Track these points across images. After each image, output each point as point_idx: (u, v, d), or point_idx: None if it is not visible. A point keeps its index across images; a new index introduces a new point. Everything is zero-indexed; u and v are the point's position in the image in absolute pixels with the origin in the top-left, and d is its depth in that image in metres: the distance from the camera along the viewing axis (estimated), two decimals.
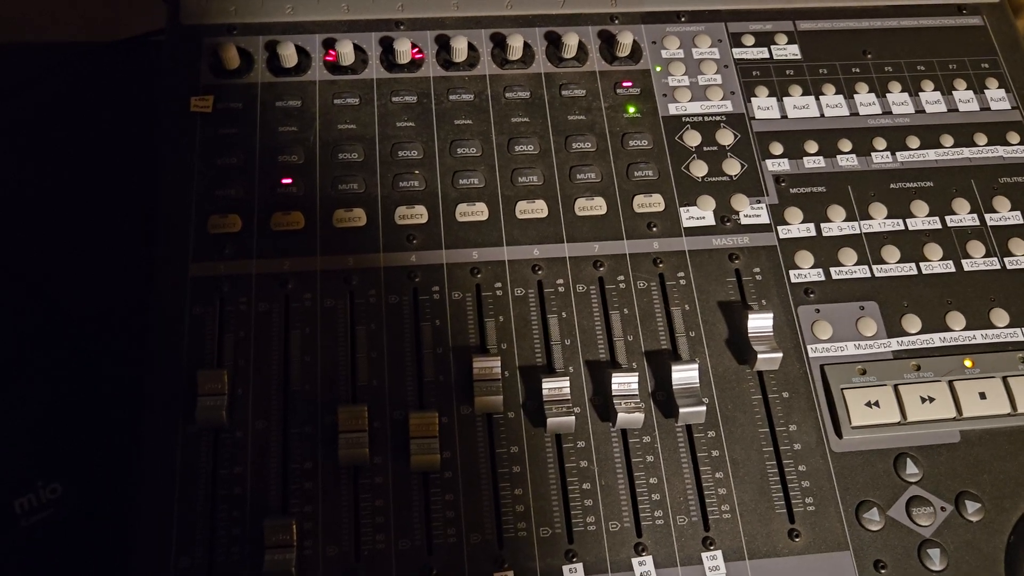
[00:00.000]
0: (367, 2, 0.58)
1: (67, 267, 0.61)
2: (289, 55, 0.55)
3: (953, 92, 0.59)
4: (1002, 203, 0.56)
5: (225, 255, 0.50)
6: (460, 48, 0.56)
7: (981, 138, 0.58)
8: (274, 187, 0.52)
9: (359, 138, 0.54)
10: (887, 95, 0.59)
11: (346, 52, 0.55)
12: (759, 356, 0.48)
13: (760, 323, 0.49)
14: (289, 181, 0.52)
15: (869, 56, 0.60)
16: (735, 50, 0.59)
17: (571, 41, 0.57)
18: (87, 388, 0.54)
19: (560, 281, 0.51)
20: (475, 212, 0.52)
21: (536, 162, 0.54)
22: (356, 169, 0.53)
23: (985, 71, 0.61)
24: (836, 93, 0.58)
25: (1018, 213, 0.56)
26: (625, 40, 0.57)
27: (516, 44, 0.56)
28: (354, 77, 0.56)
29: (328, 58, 0.56)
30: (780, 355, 0.48)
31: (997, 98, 0.60)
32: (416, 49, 0.57)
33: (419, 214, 0.52)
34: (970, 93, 0.60)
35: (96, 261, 0.61)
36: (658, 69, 0.58)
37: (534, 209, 0.53)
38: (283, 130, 0.54)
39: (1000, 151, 0.58)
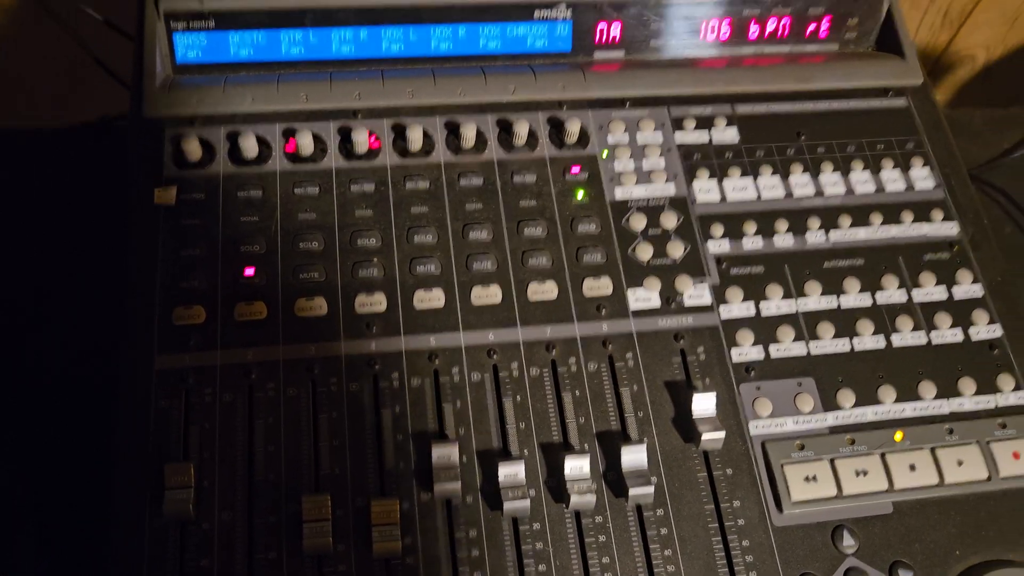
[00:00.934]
0: (325, 92, 0.60)
1: (31, 359, 0.62)
2: (250, 146, 0.57)
3: (881, 172, 0.63)
4: (928, 278, 0.59)
5: (190, 347, 0.51)
6: (415, 137, 0.58)
7: (908, 215, 0.62)
8: (237, 277, 0.54)
9: (319, 227, 0.56)
10: (820, 176, 0.62)
11: (305, 143, 0.57)
12: (703, 436, 0.51)
13: (704, 404, 0.51)
14: (251, 272, 0.54)
15: (803, 138, 0.64)
16: (677, 133, 0.63)
17: (522, 129, 0.59)
18: (52, 482, 0.55)
19: (514, 365, 0.53)
20: (432, 299, 0.54)
21: (490, 248, 0.57)
22: (316, 258, 0.55)
23: (910, 151, 0.65)
24: (773, 174, 0.62)
25: (943, 288, 0.59)
26: (573, 127, 0.60)
27: (469, 133, 0.59)
28: (314, 167, 0.58)
29: (288, 148, 0.58)
30: (723, 434, 0.51)
31: (922, 177, 0.63)
32: (373, 137, 0.59)
33: (378, 302, 0.54)
34: (897, 172, 0.63)
35: (59, 352, 0.62)
36: (605, 154, 0.61)
37: (489, 295, 0.55)
38: (245, 220, 0.56)
39: (925, 228, 0.61)
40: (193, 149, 0.56)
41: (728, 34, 0.67)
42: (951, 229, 0.62)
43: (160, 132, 0.58)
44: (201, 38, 0.61)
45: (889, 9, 0.69)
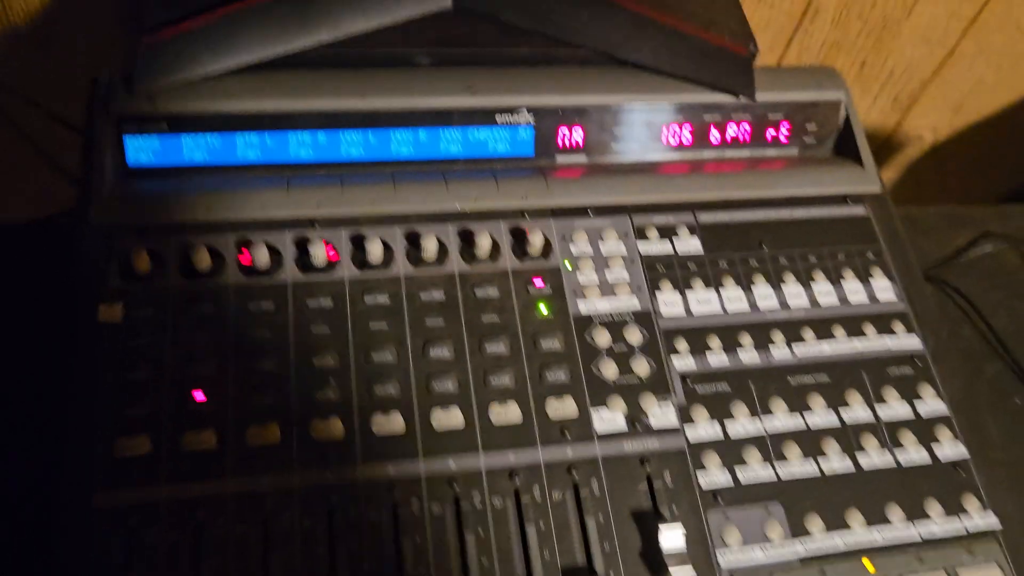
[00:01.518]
0: (282, 200, 0.58)
1: None
2: (202, 259, 0.55)
3: (842, 282, 0.63)
4: (891, 394, 0.59)
5: (133, 482, 0.48)
6: (375, 250, 0.57)
7: (870, 329, 0.61)
8: (185, 403, 0.51)
9: (274, 346, 0.54)
10: (782, 286, 0.62)
11: (260, 256, 0.55)
12: (672, 571, 0.49)
13: (672, 539, 0.50)
14: (201, 396, 0.51)
15: (765, 248, 0.63)
16: (640, 243, 0.62)
17: (484, 242, 0.58)
18: None
19: (476, 496, 0.51)
20: (392, 424, 0.52)
21: (451, 367, 0.55)
22: (271, 381, 0.53)
23: (870, 260, 0.65)
24: (736, 285, 0.61)
25: (907, 405, 0.59)
26: (535, 240, 0.59)
27: (430, 245, 0.57)
28: (269, 280, 0.56)
29: (243, 260, 0.56)
30: (692, 570, 0.49)
31: (882, 287, 0.64)
32: (331, 249, 0.57)
33: (334, 428, 0.52)
34: (857, 283, 0.63)
35: None
36: (568, 266, 0.60)
37: (450, 418, 0.53)
38: (196, 339, 0.53)
39: (888, 341, 0.61)
40: (142, 261, 0.54)
41: (690, 139, 0.67)
42: (913, 342, 0.62)
43: (107, 241, 0.55)
44: (153, 141, 0.59)
45: (847, 117, 0.69)
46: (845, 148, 0.70)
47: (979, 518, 0.56)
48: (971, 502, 0.56)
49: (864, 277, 0.64)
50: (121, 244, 0.55)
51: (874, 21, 1.09)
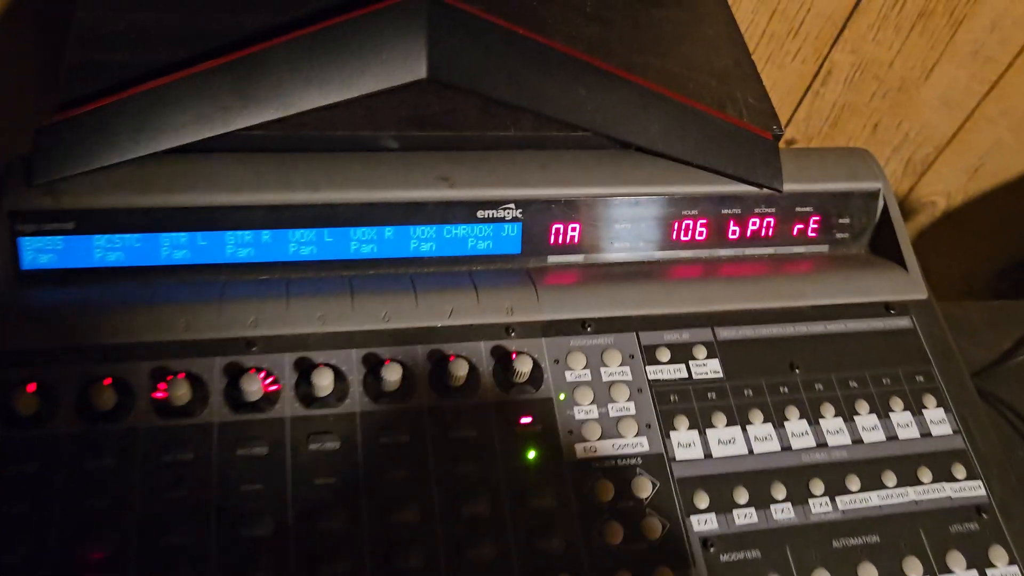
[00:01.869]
0: (212, 318, 0.47)
1: None
2: (105, 398, 0.43)
3: (891, 414, 0.53)
4: (956, 560, 0.48)
5: None
6: (324, 381, 0.46)
7: (926, 474, 0.51)
8: None
9: (191, 512, 0.42)
10: (820, 421, 0.52)
11: (180, 392, 0.44)
12: None
13: None
14: None
15: (797, 371, 0.53)
16: (649, 368, 0.51)
17: (459, 371, 0.47)
18: None
19: None
20: None
21: (417, 535, 0.44)
22: (185, 559, 0.41)
23: (921, 385, 0.54)
24: (764, 421, 0.51)
25: (974, 573, 0.48)
26: (523, 367, 0.48)
27: (393, 376, 0.46)
28: (189, 421, 0.45)
29: (157, 395, 0.45)
30: None
31: (937, 420, 0.53)
32: (271, 379, 0.46)
33: None
34: (908, 415, 0.53)
35: None
36: (562, 397, 0.49)
37: None
38: (91, 505, 0.42)
39: (947, 489, 0.51)
40: (27, 402, 0.43)
41: (705, 236, 0.57)
42: (977, 489, 0.51)
43: None
44: (56, 242, 0.48)
45: (885, 209, 0.59)
46: (882, 244, 0.60)
47: None
48: None
49: (915, 407, 0.53)
50: (1, 377, 0.44)
51: (890, 82, 1.01)
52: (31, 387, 0.43)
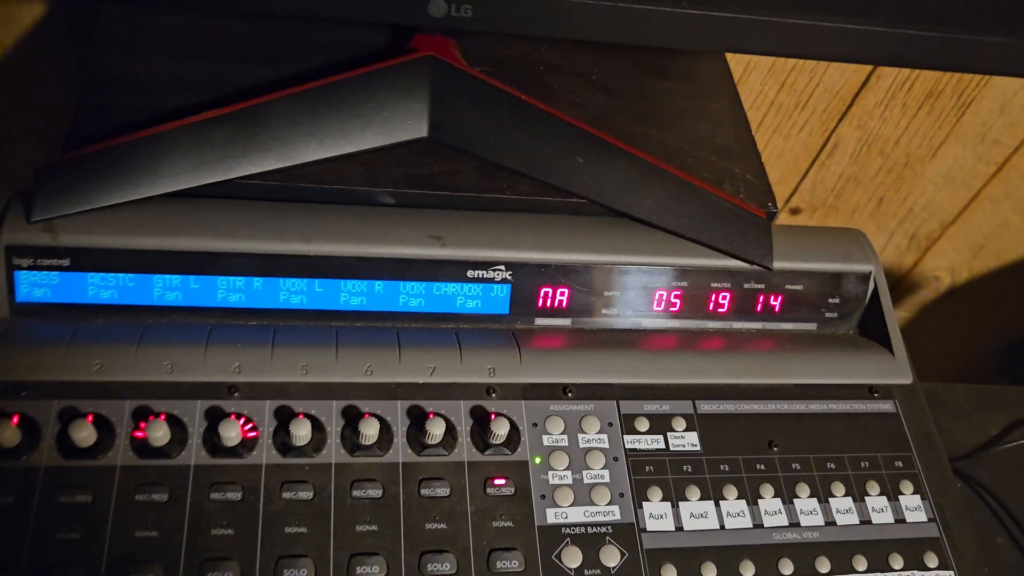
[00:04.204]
0: (196, 362, 0.48)
1: None
2: (85, 435, 0.44)
3: (866, 498, 0.53)
4: None
5: None
6: (302, 431, 0.46)
7: (897, 560, 0.51)
8: None
9: (160, 553, 0.43)
10: (795, 500, 0.52)
11: (159, 434, 0.45)
12: None
13: None
14: None
15: (775, 449, 0.53)
16: (627, 437, 0.51)
17: (436, 430, 0.48)
18: None
19: None
20: None
21: None
22: None
23: (899, 470, 0.54)
24: (738, 497, 0.51)
25: None
26: (499, 430, 0.49)
27: (370, 431, 0.47)
28: (166, 463, 0.45)
29: (137, 435, 0.46)
30: None
31: (912, 507, 0.53)
32: (250, 426, 0.47)
33: None
34: (884, 499, 0.53)
35: None
36: (538, 461, 0.50)
37: None
38: (62, 538, 0.42)
39: None
40: (9, 435, 0.44)
41: (693, 309, 0.57)
42: None
43: None
44: (52, 277, 0.49)
45: (875, 293, 0.59)
46: (871, 326, 0.60)
47: None
48: None
49: (891, 492, 0.53)
50: None
51: (896, 158, 1.02)
52: (14, 419, 0.44)
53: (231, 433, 0.45)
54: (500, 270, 0.54)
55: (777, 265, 0.57)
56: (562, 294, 0.55)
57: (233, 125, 0.50)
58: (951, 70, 0.77)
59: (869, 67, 0.90)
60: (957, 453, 0.69)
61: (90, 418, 0.45)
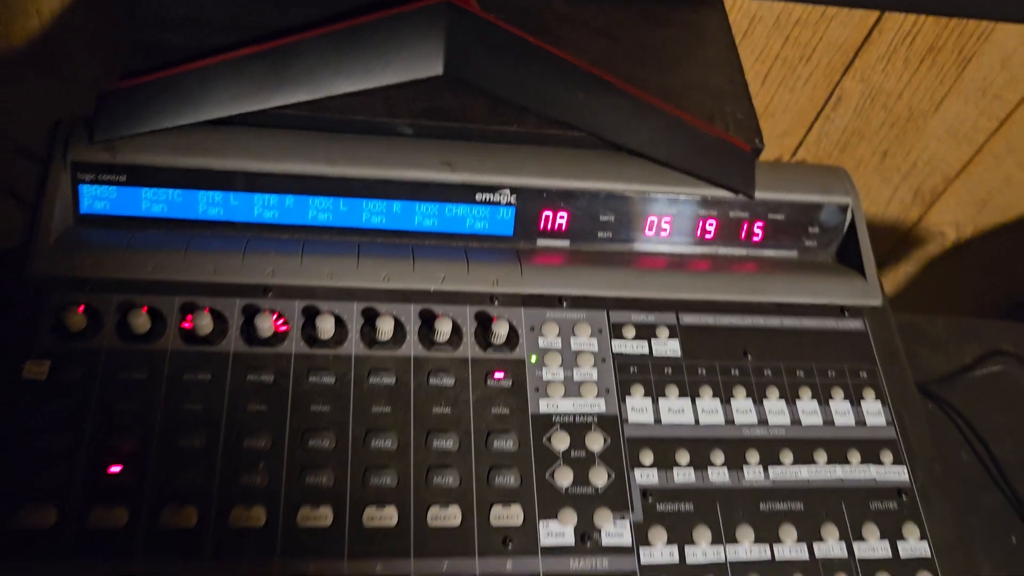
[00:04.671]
0: (236, 266, 0.55)
1: None
2: (141, 323, 0.51)
3: (830, 402, 0.59)
4: (871, 531, 0.54)
5: (33, 555, 0.45)
6: (326, 327, 0.53)
7: (855, 455, 0.57)
8: (100, 476, 0.48)
9: (204, 422, 0.50)
10: (764, 402, 0.58)
11: (204, 323, 0.52)
12: None
13: None
14: (118, 470, 0.48)
15: (749, 357, 0.59)
16: (614, 342, 0.58)
17: (444, 327, 0.54)
18: None
19: None
20: (319, 517, 0.49)
21: (392, 461, 0.51)
22: (195, 459, 0.49)
23: (863, 380, 0.60)
24: (713, 396, 0.57)
25: (886, 543, 0.54)
26: (500, 329, 0.55)
27: (386, 327, 0.54)
28: (210, 349, 0.53)
29: (184, 325, 0.53)
30: None
31: (873, 411, 0.59)
32: (281, 321, 0.54)
33: (256, 517, 0.48)
34: (846, 404, 0.59)
35: None
36: (533, 359, 0.56)
37: (383, 516, 0.49)
38: (123, 408, 0.50)
39: (873, 471, 0.57)
40: (76, 320, 0.51)
41: (682, 233, 0.63)
42: (900, 474, 0.57)
43: (45, 294, 0.52)
44: (110, 191, 0.56)
45: (852, 223, 0.65)
46: (848, 255, 0.66)
47: None
48: None
49: (854, 398, 0.59)
50: (58, 300, 0.52)
51: (899, 112, 1.06)
52: (80, 308, 0.51)
53: (265, 325, 0.52)
54: (505, 194, 0.60)
55: (760, 195, 0.63)
56: (562, 217, 0.62)
57: (268, 61, 0.57)
58: (952, 15, 0.80)
59: (871, 21, 0.94)
60: (929, 378, 0.74)
61: (144, 309, 0.52)
